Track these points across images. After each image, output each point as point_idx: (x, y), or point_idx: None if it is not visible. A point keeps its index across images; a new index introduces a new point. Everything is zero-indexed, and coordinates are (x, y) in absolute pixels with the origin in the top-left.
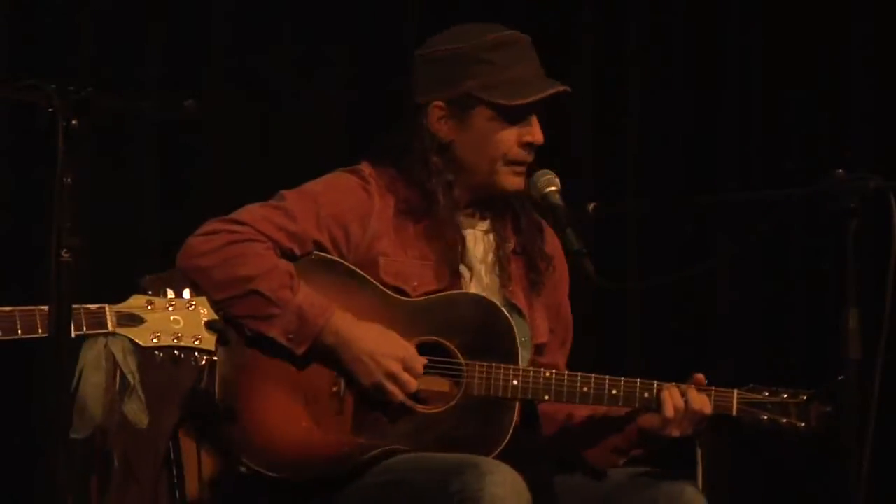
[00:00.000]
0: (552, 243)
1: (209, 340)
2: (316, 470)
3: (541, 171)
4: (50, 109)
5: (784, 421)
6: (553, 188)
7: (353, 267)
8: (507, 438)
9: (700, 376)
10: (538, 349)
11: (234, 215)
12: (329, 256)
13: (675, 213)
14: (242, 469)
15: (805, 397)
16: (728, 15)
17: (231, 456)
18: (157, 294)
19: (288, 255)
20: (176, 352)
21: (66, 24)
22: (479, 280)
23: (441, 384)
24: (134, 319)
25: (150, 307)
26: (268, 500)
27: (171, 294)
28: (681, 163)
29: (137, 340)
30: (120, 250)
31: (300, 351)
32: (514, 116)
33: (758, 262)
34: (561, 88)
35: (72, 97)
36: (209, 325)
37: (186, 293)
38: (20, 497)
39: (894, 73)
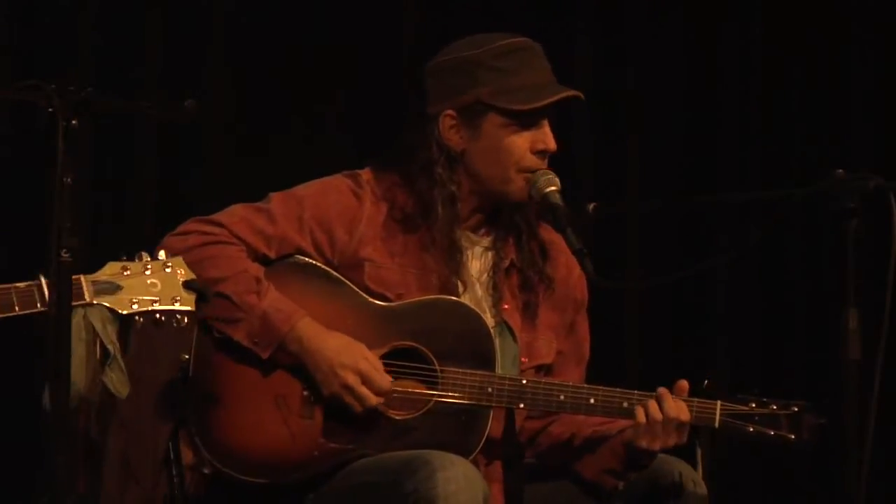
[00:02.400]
0: (560, 265)
1: (188, 300)
2: (284, 474)
3: (541, 171)
4: (50, 109)
5: (772, 433)
6: (553, 188)
7: (331, 271)
8: (481, 445)
9: (683, 383)
10: (544, 369)
11: (213, 216)
12: (308, 260)
13: (675, 213)
14: (206, 470)
15: (796, 409)
16: (728, 15)
17: (198, 455)
18: (131, 258)
19: (261, 258)
20: (157, 315)
21: (66, 24)
22: (473, 295)
23: (415, 390)
24: (111, 287)
25: (126, 273)
26: (233, 501)
27: (146, 257)
28: (681, 163)
29: (116, 308)
30: (120, 250)
31: (265, 356)
32: (525, 123)
33: (758, 262)
34: (573, 93)
35: (72, 97)
36: (186, 285)
37: (162, 254)
38: (22, 491)
39: (894, 73)
